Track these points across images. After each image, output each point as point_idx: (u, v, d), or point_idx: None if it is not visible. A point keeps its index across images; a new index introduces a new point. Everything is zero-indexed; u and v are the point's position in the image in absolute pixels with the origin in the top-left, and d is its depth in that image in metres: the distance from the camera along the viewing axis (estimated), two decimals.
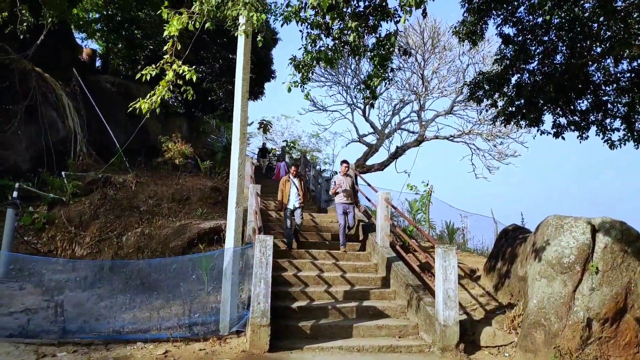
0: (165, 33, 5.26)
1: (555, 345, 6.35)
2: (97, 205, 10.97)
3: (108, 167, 13.43)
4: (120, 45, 19.27)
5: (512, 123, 10.86)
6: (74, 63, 16.11)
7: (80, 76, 15.18)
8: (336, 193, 9.92)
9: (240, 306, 6.53)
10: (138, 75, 5.59)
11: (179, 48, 5.52)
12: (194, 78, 5.34)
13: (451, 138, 19.13)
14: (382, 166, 19.63)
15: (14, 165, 11.36)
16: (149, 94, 5.63)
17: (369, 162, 19.94)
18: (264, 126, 31.72)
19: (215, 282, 6.51)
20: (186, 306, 6.33)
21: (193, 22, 5.29)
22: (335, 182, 10.09)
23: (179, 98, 24.57)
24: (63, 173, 11.76)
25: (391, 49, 7.17)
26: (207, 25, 5.45)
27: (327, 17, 6.71)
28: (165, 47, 5.55)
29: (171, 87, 5.52)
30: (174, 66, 5.38)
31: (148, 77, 5.46)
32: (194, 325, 6.21)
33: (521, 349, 6.57)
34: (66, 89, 14.05)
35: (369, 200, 11.70)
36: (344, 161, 10.34)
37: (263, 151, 25.69)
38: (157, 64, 5.54)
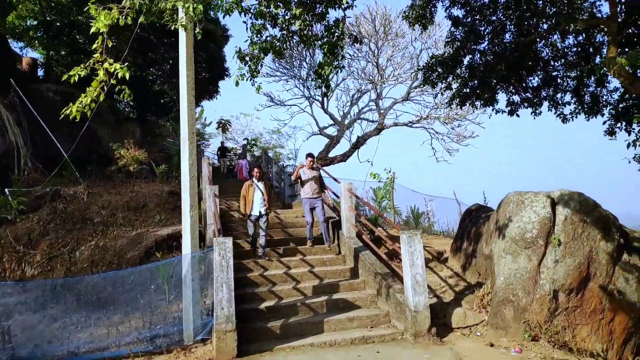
0: (93, 29, 4.87)
1: (525, 320, 6.39)
2: (46, 221, 10.36)
3: (57, 180, 12.74)
4: (62, 52, 18.36)
5: (468, 104, 10.93)
6: (12, 73, 15.18)
7: (20, 86, 14.31)
8: (298, 179, 9.72)
9: (204, 313, 6.25)
10: (65, 77, 5.17)
11: (109, 45, 5.14)
12: (127, 76, 4.97)
13: (410, 124, 19.24)
14: (344, 157, 19.56)
15: None
16: (79, 98, 5.22)
17: (331, 154, 19.84)
18: (223, 125, 31.13)
19: (176, 291, 6.19)
20: (146, 318, 5.99)
21: (124, 17, 4.92)
22: (299, 174, 9.76)
23: (130, 103, 23.82)
24: (7, 190, 11.05)
25: (341, 36, 6.99)
26: (140, 19, 5.10)
27: (272, 6, 6.46)
28: (94, 46, 5.16)
29: (105, 88, 5.13)
30: (105, 64, 5.00)
31: (76, 79, 5.05)
32: (156, 338, 5.89)
33: (492, 326, 6.58)
34: (4, 100, 13.20)
35: (335, 194, 11.57)
36: (310, 154, 9.86)
37: (222, 150, 25.03)
38: (86, 64, 5.14)
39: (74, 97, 17.20)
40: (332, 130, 20.88)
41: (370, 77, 18.98)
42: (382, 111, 19.10)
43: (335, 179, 11.00)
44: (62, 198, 11.32)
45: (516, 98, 10.59)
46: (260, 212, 8.96)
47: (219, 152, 25.56)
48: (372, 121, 20.03)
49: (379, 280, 7.52)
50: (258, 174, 9.19)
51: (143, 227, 10.22)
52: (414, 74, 17.73)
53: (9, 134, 12.64)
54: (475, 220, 8.97)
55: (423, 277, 6.47)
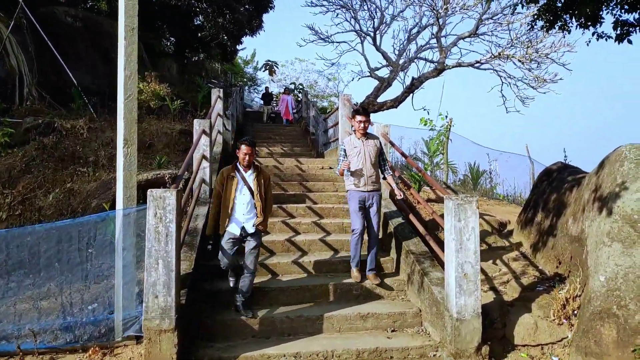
0: None
1: (636, 347, 4.02)
2: (31, 157, 8.91)
3: (61, 113, 11.29)
4: None
5: (557, 27, 8.01)
6: None
7: (32, 8, 12.79)
8: (343, 170, 5.47)
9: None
10: None
11: None
12: None
13: (477, 64, 16.12)
14: (395, 102, 16.92)
15: None
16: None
17: (380, 99, 17.25)
18: (270, 67, 28.97)
19: (107, 262, 4.36)
20: (64, 297, 4.24)
21: None
22: (344, 149, 5.54)
23: (168, 37, 22.10)
24: None
25: None
26: None
27: None
28: None
29: None
30: None
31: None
32: (75, 327, 4.13)
33: (579, 351, 4.25)
34: (8, 21, 11.73)
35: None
36: (360, 111, 5.57)
37: (267, 97, 22.88)
38: None
39: (99, 25, 15.59)
40: (383, 73, 18.16)
41: (433, 4, 15.89)
42: (444, 48, 16.08)
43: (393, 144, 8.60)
44: (56, 132, 9.82)
45: (631, 17, 7.55)
46: (245, 229, 4.75)
47: (263, 98, 23.54)
48: (432, 61, 17.05)
49: (411, 261, 5.33)
50: (248, 156, 4.79)
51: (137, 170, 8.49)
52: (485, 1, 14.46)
53: (10, 59, 11.23)
54: (557, 185, 6.45)
55: (476, 268, 4.20)
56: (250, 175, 4.84)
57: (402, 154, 6.35)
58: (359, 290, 5.26)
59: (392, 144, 6.51)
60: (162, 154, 9.87)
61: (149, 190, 3.91)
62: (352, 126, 5.75)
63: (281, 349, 4.28)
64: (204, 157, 6.41)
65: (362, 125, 5.45)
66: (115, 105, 12.78)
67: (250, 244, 4.77)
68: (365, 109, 5.73)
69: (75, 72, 12.54)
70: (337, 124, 9.79)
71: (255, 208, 4.79)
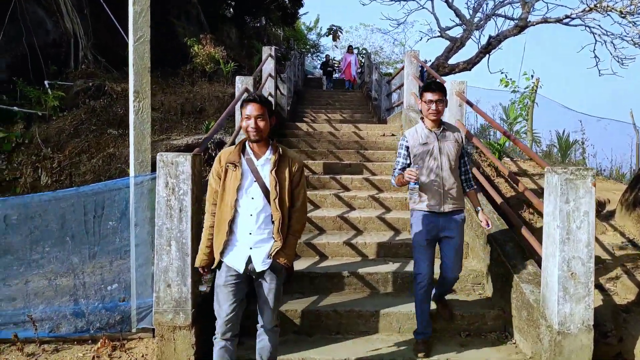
0: None
1: None
2: (80, 121, 8.60)
3: (118, 77, 10.98)
4: None
5: None
6: None
7: None
8: (408, 182, 3.37)
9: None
10: None
11: None
12: None
13: (566, 20, 14.09)
14: (469, 64, 15.31)
15: None
16: None
17: (451, 61, 15.68)
18: (334, 33, 27.66)
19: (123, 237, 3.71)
20: (77, 279, 3.65)
21: None
22: (405, 146, 3.58)
23: (228, 1, 21.45)
24: (46, 82, 9.47)
25: None
26: None
27: None
28: None
29: None
30: None
31: None
32: (88, 313, 3.54)
33: None
34: None
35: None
36: (431, 86, 3.49)
37: (326, 65, 21.30)
38: None
39: None
40: (456, 32, 16.48)
41: None
42: (527, 2, 14.15)
43: (438, 77, 7.39)
44: (107, 95, 9.47)
45: None
46: (250, 262, 2.78)
47: (322, 67, 22.23)
48: (512, 18, 15.16)
49: (490, 249, 4.27)
50: (255, 124, 2.74)
51: (183, 135, 7.96)
52: None
53: (65, 21, 10.97)
54: None
55: (588, 266, 3.10)
56: (265, 164, 2.79)
57: (484, 117, 5.18)
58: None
59: (471, 104, 5.35)
60: (213, 119, 9.28)
61: (159, 153, 3.14)
62: (419, 110, 4.32)
63: (326, 352, 3.47)
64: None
65: (433, 107, 3.41)
66: (167, 69, 12.30)
67: (266, 285, 2.83)
68: (439, 84, 3.50)
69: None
70: (401, 85, 8.66)
71: (272, 223, 2.77)
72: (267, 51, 8.32)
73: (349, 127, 8.60)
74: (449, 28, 16.90)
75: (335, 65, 23.18)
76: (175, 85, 10.84)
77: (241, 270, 2.75)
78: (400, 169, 3.57)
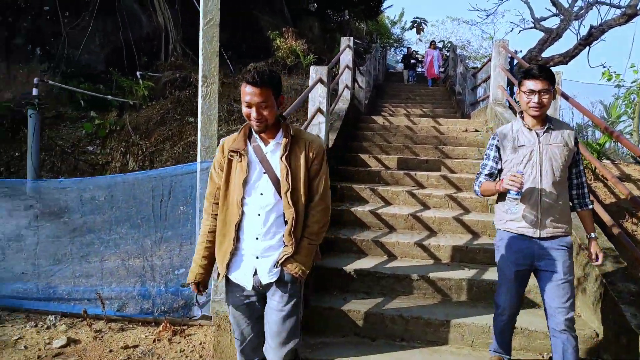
0: None
1: None
2: (166, 110, 9.02)
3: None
4: None
5: None
6: None
7: None
8: (505, 190, 2.65)
9: None
10: None
11: None
12: None
13: None
14: (565, 57, 14.09)
15: (85, 66, 9.99)
16: None
17: (545, 54, 14.51)
18: (418, 25, 26.87)
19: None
20: (147, 261, 3.72)
21: None
22: (496, 146, 2.94)
23: None
24: (138, 73, 10.04)
25: None
26: None
27: None
28: None
29: None
30: None
31: None
32: (155, 295, 3.60)
33: None
34: None
35: None
36: (533, 72, 2.67)
37: (408, 58, 20.44)
38: None
39: None
40: (551, 23, 15.22)
41: None
42: None
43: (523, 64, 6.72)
44: (192, 86, 9.84)
45: None
46: (256, 274, 2.27)
47: (403, 61, 21.41)
48: (618, 6, 13.67)
49: (584, 260, 3.76)
50: (256, 110, 2.18)
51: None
52: None
53: (157, 15, 11.57)
54: None
55: None
56: (275, 149, 2.29)
57: (583, 111, 4.59)
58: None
59: (567, 97, 4.77)
60: (290, 111, 9.30)
61: (222, 139, 3.08)
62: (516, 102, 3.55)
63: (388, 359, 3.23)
64: (319, 110, 5.47)
65: (535, 100, 2.65)
66: (249, 60, 12.51)
67: (273, 306, 2.28)
68: (544, 68, 2.71)
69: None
70: (488, 78, 8.07)
71: (285, 224, 2.25)
72: (345, 42, 8.13)
73: (428, 121, 8.18)
74: (544, 18, 15.69)
75: (419, 58, 22.36)
76: None
77: (249, 287, 2.25)
78: (487, 175, 2.94)
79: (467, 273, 4.10)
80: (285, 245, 2.22)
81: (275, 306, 2.24)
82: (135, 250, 3.83)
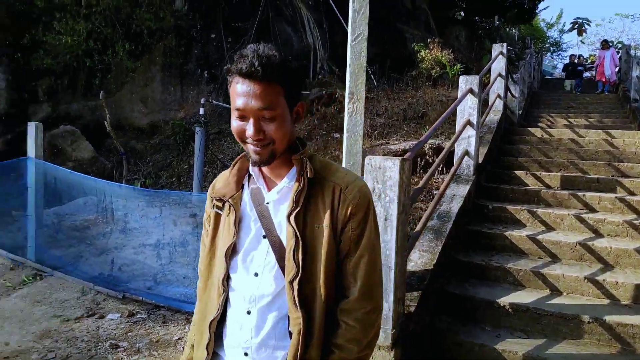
0: None
1: None
2: (313, 126, 9.38)
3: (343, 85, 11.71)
4: None
5: None
6: None
7: None
8: None
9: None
10: None
11: None
12: None
13: None
14: None
15: None
16: None
17: None
18: (579, 26, 24.05)
19: None
20: None
21: None
22: None
23: (459, 2, 20.72)
24: None
25: None
26: None
27: None
28: None
29: None
30: None
31: None
32: None
33: None
34: (308, 0, 12.78)
35: None
36: None
37: (573, 66, 17.29)
38: None
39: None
40: None
41: None
42: None
43: None
44: (337, 102, 10.10)
45: None
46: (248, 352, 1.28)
47: (565, 70, 18.43)
48: None
49: None
50: (262, 131, 1.21)
51: (399, 140, 7.88)
52: None
53: (307, 36, 12.19)
54: None
55: None
56: (283, 200, 1.32)
57: None
58: None
59: None
60: (437, 126, 8.97)
61: (367, 157, 2.98)
62: None
63: None
64: (469, 122, 5.10)
65: None
66: (393, 76, 12.42)
67: None
68: None
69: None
70: None
71: (288, 320, 1.27)
72: (497, 49, 7.55)
73: (597, 133, 7.14)
74: None
75: (587, 64, 19.62)
76: (399, 91, 10.93)
77: None
78: None
79: None
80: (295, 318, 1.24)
81: None
82: None
